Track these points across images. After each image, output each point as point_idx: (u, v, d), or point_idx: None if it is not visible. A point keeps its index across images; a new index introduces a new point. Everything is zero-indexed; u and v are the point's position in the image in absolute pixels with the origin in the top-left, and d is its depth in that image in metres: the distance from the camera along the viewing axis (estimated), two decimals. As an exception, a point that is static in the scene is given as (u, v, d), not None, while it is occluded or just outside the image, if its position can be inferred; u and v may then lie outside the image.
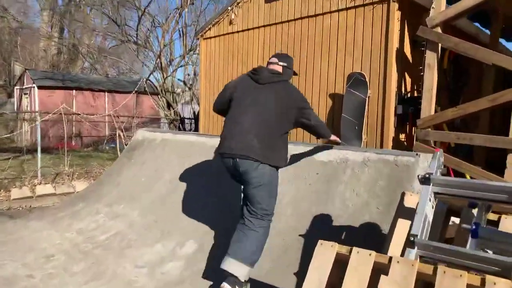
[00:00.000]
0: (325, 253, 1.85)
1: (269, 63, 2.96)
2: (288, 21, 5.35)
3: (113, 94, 15.85)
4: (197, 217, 3.90)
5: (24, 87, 15.80)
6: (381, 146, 4.42)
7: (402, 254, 2.04)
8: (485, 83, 5.33)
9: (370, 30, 4.50)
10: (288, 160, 3.00)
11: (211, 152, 4.74)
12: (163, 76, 8.68)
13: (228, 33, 6.25)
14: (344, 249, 1.82)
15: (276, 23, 5.52)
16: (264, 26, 5.69)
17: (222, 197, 4.01)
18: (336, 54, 4.81)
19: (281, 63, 2.93)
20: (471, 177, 3.94)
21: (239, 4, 6.00)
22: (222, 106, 2.98)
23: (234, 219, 3.49)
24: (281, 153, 2.78)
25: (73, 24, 16.64)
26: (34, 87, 14.42)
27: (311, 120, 2.86)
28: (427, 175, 1.96)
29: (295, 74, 3.10)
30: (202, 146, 4.92)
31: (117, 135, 7.73)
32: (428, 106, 3.98)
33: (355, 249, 1.79)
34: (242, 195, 2.83)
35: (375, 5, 4.44)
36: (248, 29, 5.93)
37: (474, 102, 3.68)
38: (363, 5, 4.53)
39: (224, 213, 3.77)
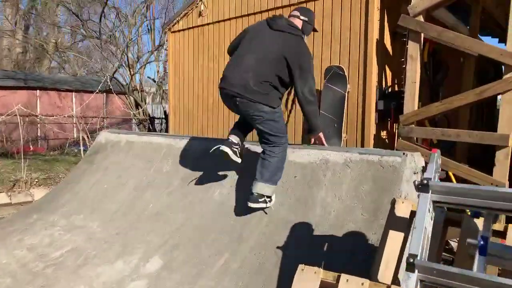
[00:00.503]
0: (307, 281, 1.51)
1: (290, 15, 2.96)
2: (261, 11, 4.99)
3: (81, 94, 15.07)
4: (163, 230, 3.50)
5: (-17, 87, 14.80)
6: (362, 145, 4.14)
7: (396, 275, 1.72)
8: (466, 75, 5.15)
9: (348, 21, 4.20)
10: None
11: (179, 155, 4.33)
12: (130, 74, 8.15)
13: (197, 26, 5.83)
14: (330, 276, 1.49)
15: (248, 14, 5.15)
16: (236, 17, 5.32)
17: (191, 207, 3.62)
18: (313, 46, 4.49)
19: (302, 17, 2.94)
20: (453, 175, 3.72)
21: (209, -6, 5.60)
22: (234, 48, 3.01)
23: (205, 232, 3.11)
24: (276, 95, 2.87)
25: (39, 21, 15.70)
26: (-6, 87, 13.51)
27: (304, 90, 2.83)
28: (425, 181, 1.64)
29: (315, 30, 3.10)
30: (170, 148, 4.51)
31: (81, 138, 7.17)
32: (412, 101, 3.72)
33: (343, 276, 1.46)
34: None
35: (353, -7, 4.15)
36: (219, 21, 5.54)
37: (461, 95, 3.44)
38: (341, -7, 4.23)
39: (194, 226, 3.39)
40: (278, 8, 4.78)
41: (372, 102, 4.08)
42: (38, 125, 13.61)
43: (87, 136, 6.98)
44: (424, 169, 2.23)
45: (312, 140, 3.18)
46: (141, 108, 8.15)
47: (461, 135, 3.41)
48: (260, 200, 2.94)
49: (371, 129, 4.10)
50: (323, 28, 4.39)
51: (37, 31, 19.85)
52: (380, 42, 4.17)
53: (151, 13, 8.31)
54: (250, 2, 5.10)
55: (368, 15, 4.04)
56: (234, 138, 3.16)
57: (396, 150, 3.92)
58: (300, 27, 2.91)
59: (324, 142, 3.15)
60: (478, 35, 5.37)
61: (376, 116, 4.11)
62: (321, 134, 3.10)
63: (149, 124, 8.31)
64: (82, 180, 5.05)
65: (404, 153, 2.84)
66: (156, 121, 8.88)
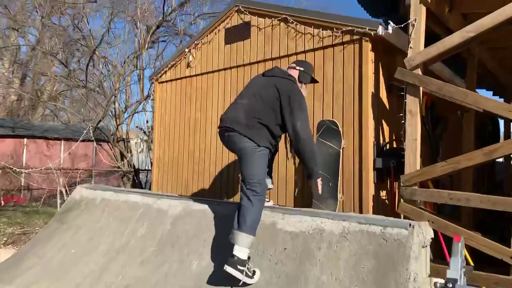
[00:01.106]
0: None
1: (288, 67, 3.18)
2: (250, 63, 4.79)
3: (70, 143, 14.70)
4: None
5: (-32, 135, 14.43)
6: (360, 206, 3.73)
7: None
8: (466, 130, 4.87)
9: (341, 73, 3.97)
10: None
11: (157, 217, 3.88)
12: (116, 124, 7.85)
13: (185, 77, 5.62)
14: None
15: (237, 66, 4.95)
16: (224, 69, 5.12)
17: (165, 281, 3.12)
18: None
19: (298, 68, 3.13)
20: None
21: (197, 46, 5.44)
22: None
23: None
24: (264, 134, 2.90)
25: (36, 71, 15.72)
26: (-21, 135, 13.14)
27: (296, 126, 2.83)
28: (449, 285, 1.23)
29: (314, 81, 3.29)
30: (147, 209, 4.06)
31: (58, 191, 6.69)
32: (413, 160, 3.37)
33: None
34: None
35: (346, 45, 3.95)
36: (207, 72, 5.33)
37: (468, 155, 3.10)
38: (332, 46, 4.04)
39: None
40: (267, 60, 4.59)
41: (370, 160, 3.73)
42: (23, 174, 13.07)
43: (65, 190, 6.51)
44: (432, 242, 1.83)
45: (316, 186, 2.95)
46: (126, 159, 7.75)
47: (472, 199, 3.02)
48: (239, 267, 2.60)
49: (370, 189, 3.71)
50: (315, 81, 4.15)
51: (33, 80, 19.93)
52: (376, 96, 3.92)
53: (140, 63, 8.19)
54: (239, 54, 4.92)
55: (362, 67, 3.81)
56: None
57: (398, 214, 3.52)
58: (295, 76, 3.08)
59: (319, 189, 2.94)
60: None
61: (374, 175, 3.74)
62: (318, 180, 2.92)
63: (134, 177, 7.88)
64: (50, 242, 4.53)
65: (410, 224, 2.43)
66: (142, 173, 8.46)
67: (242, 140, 2.86)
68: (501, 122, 7.57)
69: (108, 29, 8.22)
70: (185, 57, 5.61)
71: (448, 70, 5.05)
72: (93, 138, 7.48)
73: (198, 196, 5.07)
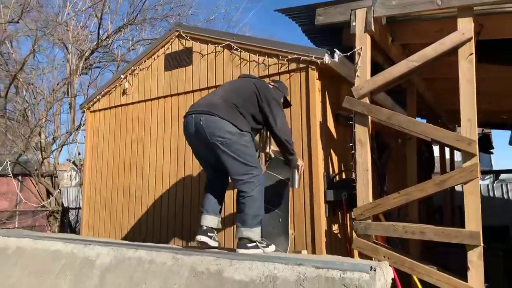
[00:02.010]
0: None
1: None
2: (192, 91, 4.49)
3: (-10, 179, 13.08)
4: None
5: None
6: (313, 242, 3.48)
7: None
8: (409, 158, 4.94)
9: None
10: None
11: (82, 268, 3.30)
12: (42, 157, 7.02)
13: (120, 105, 5.15)
14: None
15: (179, 93, 4.62)
16: (164, 96, 4.75)
17: None
18: (251, 130, 3.98)
19: (272, 84, 3.30)
20: (419, 280, 3.15)
21: (134, 72, 5.04)
22: None
23: None
24: (244, 121, 2.83)
25: None
26: None
27: (277, 117, 2.92)
28: None
29: (288, 104, 3.39)
30: (72, 258, 3.46)
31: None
32: (365, 192, 3.23)
33: None
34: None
35: (292, 73, 3.80)
36: (145, 100, 4.93)
37: (419, 186, 3.02)
38: (279, 73, 3.88)
39: None
40: (210, 87, 4.30)
41: (320, 192, 3.52)
42: None
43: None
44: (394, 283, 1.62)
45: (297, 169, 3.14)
46: (52, 196, 6.90)
47: (427, 232, 2.91)
48: (249, 245, 2.82)
49: (322, 223, 3.48)
50: (261, 110, 3.93)
51: None
52: (324, 125, 3.78)
53: (71, 90, 7.49)
54: (181, 81, 4.60)
55: (309, 96, 3.67)
56: (210, 222, 2.99)
57: (352, 248, 3.32)
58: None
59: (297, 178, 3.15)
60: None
61: (326, 209, 3.54)
62: (299, 161, 3.17)
63: (62, 216, 7.00)
64: None
65: (372, 267, 2.20)
66: (74, 211, 7.59)
67: (223, 126, 2.70)
68: (435, 148, 7.98)
69: (32, 53, 7.47)
70: (120, 84, 5.17)
71: (390, 99, 5.14)
72: (10, 174, 6.57)
73: (135, 240, 4.51)
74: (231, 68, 4.19)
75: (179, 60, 4.64)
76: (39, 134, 7.11)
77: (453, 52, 3.00)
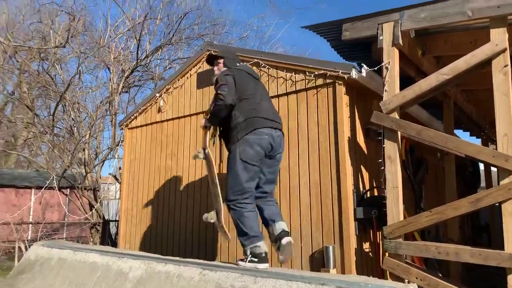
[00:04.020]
0: None
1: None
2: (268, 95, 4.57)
3: (42, 191, 13.99)
4: None
5: None
6: (342, 261, 3.39)
7: None
8: (448, 174, 4.71)
9: (315, 117, 3.79)
10: None
11: (116, 281, 3.43)
12: (85, 172, 7.43)
13: (156, 122, 5.37)
14: None
15: (209, 111, 4.72)
16: (196, 113, 4.89)
17: None
18: (279, 145, 3.99)
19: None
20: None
21: (169, 90, 5.24)
22: (239, 96, 3.01)
23: None
24: None
25: (12, 117, 15.26)
26: None
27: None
28: None
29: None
30: (106, 271, 3.61)
31: (16, 248, 6.10)
32: (396, 209, 3.12)
33: None
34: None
35: (319, 89, 3.79)
36: (179, 117, 5.10)
37: (453, 204, 2.87)
38: (306, 89, 3.88)
39: None
40: (239, 104, 4.39)
41: (350, 210, 3.45)
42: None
43: (25, 246, 5.94)
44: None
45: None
46: (94, 208, 7.26)
47: (461, 254, 2.75)
48: (243, 259, 2.91)
49: (351, 241, 3.40)
50: (289, 126, 3.94)
51: (7, 126, 19.36)
52: (353, 140, 3.72)
53: (112, 108, 7.93)
54: (211, 98, 4.71)
55: (337, 111, 3.64)
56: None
57: (385, 270, 3.20)
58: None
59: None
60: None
61: (356, 226, 3.45)
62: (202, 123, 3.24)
63: (103, 228, 7.35)
64: (-7, 313, 3.97)
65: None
66: (115, 223, 7.94)
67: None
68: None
69: (78, 74, 8.02)
70: (156, 102, 5.39)
71: (425, 112, 4.97)
72: (56, 188, 7.00)
73: (168, 253, 4.63)
74: (260, 85, 4.24)
75: (210, 78, 4.77)
76: (83, 150, 7.56)
77: (486, 64, 2.87)
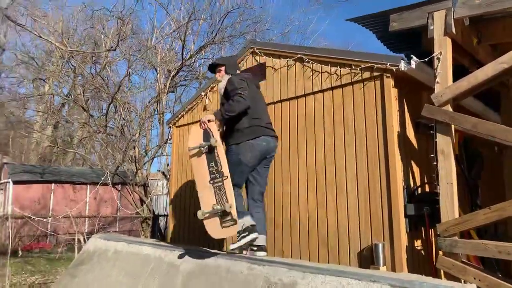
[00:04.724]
0: None
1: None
2: (273, 102, 4.60)
3: (96, 187, 14.86)
4: None
5: (0, 182, 14.88)
6: (392, 259, 3.30)
7: None
8: (507, 169, 4.42)
9: (362, 112, 3.70)
10: None
11: (168, 273, 3.59)
12: (136, 169, 7.81)
13: (201, 120, 5.49)
14: None
15: (253, 108, 4.77)
16: (240, 111, 4.94)
17: None
18: (324, 140, 3.96)
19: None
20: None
21: (214, 89, 5.35)
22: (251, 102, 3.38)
23: None
24: None
25: (64, 118, 16.37)
26: (9, 182, 13.50)
27: None
28: None
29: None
30: (158, 263, 3.78)
31: (76, 240, 6.56)
32: (450, 206, 2.99)
33: None
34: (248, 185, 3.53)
35: (366, 82, 3.70)
36: (224, 115, 5.18)
37: (516, 200, 2.69)
38: (352, 83, 3.80)
39: None
40: (283, 100, 4.40)
41: (400, 206, 3.34)
42: (49, 219, 13.15)
43: (83, 238, 6.36)
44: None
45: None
46: (145, 203, 7.61)
47: (525, 253, 2.58)
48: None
49: (402, 239, 3.29)
50: (335, 120, 3.89)
51: (64, 127, 20.74)
52: (402, 135, 3.60)
53: (160, 108, 8.26)
54: (255, 95, 4.77)
55: (385, 105, 3.53)
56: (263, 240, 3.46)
57: (439, 269, 3.08)
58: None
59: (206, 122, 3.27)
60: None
61: (406, 223, 3.34)
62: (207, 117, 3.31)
63: (153, 222, 7.68)
64: (58, 300, 4.29)
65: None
66: (164, 218, 8.28)
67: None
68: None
69: (128, 75, 8.43)
70: (201, 101, 5.53)
71: (481, 104, 4.68)
72: (110, 184, 7.41)
73: (216, 247, 4.75)
74: (303, 80, 4.23)
75: (253, 75, 4.82)
76: (134, 148, 7.95)
77: (552, 50, 2.66)
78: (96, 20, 9.06)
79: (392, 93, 3.53)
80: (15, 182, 13.42)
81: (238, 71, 3.73)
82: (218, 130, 3.37)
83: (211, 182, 3.15)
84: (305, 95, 4.20)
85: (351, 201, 3.65)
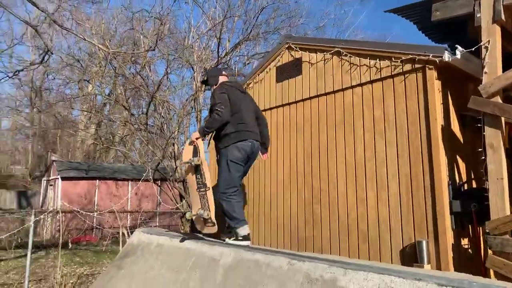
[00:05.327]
0: None
1: (227, 75, 4.11)
2: (302, 100, 4.59)
3: (138, 183, 15.46)
4: None
5: (50, 178, 15.82)
6: (438, 258, 3.20)
7: None
8: None
9: (403, 105, 3.59)
10: None
11: (209, 267, 3.67)
12: (175, 165, 8.04)
13: (238, 117, 5.55)
14: None
15: (289, 103, 4.78)
16: (276, 107, 4.97)
17: None
18: (363, 135, 3.88)
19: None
20: None
21: (249, 86, 5.39)
22: (233, 110, 3.62)
23: None
24: None
25: (107, 117, 17.14)
26: (58, 178, 14.33)
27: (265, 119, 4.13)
28: None
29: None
30: (200, 257, 3.88)
31: (120, 234, 6.86)
32: (500, 203, 2.84)
33: None
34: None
35: (407, 75, 3.58)
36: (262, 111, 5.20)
37: None
38: (392, 76, 3.69)
39: None
40: (320, 95, 4.35)
41: (445, 203, 3.22)
42: (95, 213, 13.83)
43: (127, 232, 6.65)
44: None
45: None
46: (184, 199, 7.81)
47: None
48: (229, 237, 3.71)
49: (448, 236, 3.17)
50: (374, 115, 3.80)
51: (106, 125, 21.66)
52: (447, 129, 3.45)
53: (197, 105, 8.43)
54: (291, 91, 4.75)
55: (428, 98, 3.40)
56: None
57: (488, 269, 2.94)
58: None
59: (194, 140, 3.66)
60: None
61: (452, 221, 3.22)
62: (194, 136, 3.70)
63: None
64: (107, 290, 4.51)
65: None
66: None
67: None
68: None
69: (166, 74, 8.67)
70: (237, 98, 5.57)
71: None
72: (151, 180, 7.68)
73: (253, 242, 4.80)
74: (341, 74, 4.16)
75: (289, 71, 4.81)
76: (173, 145, 8.18)
77: None
78: (135, 21, 9.37)
79: (436, 85, 3.40)
80: (63, 178, 14.22)
81: (222, 76, 3.91)
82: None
83: (198, 190, 3.73)
84: (343, 89, 4.13)
85: (392, 197, 3.56)
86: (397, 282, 2.34)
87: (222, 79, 3.86)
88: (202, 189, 3.67)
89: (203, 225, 3.89)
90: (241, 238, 3.58)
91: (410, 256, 3.31)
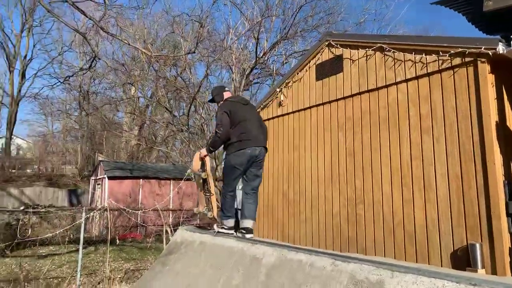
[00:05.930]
0: None
1: (229, 91, 4.38)
2: (344, 97, 4.50)
3: (179, 182, 15.90)
4: None
5: (97, 177, 16.64)
6: (493, 261, 3.01)
7: None
8: None
9: (453, 102, 3.42)
10: None
11: (251, 265, 3.70)
12: (216, 164, 8.16)
13: (277, 116, 5.56)
14: None
15: (330, 101, 4.70)
16: (316, 105, 4.90)
17: None
18: (409, 133, 3.74)
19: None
20: None
21: (289, 84, 5.37)
22: (233, 123, 3.99)
23: None
24: None
25: (149, 119, 17.78)
26: (105, 177, 15.04)
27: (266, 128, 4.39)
28: None
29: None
30: (241, 255, 3.91)
31: (164, 231, 7.07)
32: None
33: None
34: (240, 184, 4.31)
35: (456, 69, 3.41)
36: (299, 110, 5.18)
37: None
38: (439, 71, 3.53)
39: None
40: (362, 92, 4.24)
41: (501, 204, 3.03)
42: (140, 211, 14.37)
43: (170, 230, 6.84)
44: None
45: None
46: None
47: None
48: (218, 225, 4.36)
49: (504, 239, 2.99)
50: (420, 112, 3.65)
51: (149, 126, 22.44)
52: (501, 125, 3.25)
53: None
54: (332, 89, 4.68)
55: (480, 93, 3.22)
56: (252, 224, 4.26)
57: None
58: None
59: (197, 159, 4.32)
60: None
61: (509, 222, 3.02)
62: (201, 153, 4.27)
63: (232, 217, 7.98)
64: (152, 286, 4.67)
65: None
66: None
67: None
68: None
69: (206, 76, 8.83)
70: (276, 97, 5.58)
71: None
72: (193, 179, 7.85)
73: (295, 242, 4.78)
74: (384, 70, 4.03)
75: (329, 68, 4.73)
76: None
77: None
78: (176, 25, 9.61)
79: (489, 79, 3.20)
80: (109, 178, 14.90)
81: (226, 93, 4.24)
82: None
83: (204, 193, 4.58)
84: (386, 86, 4.01)
85: (441, 197, 3.40)
86: (450, 286, 2.23)
87: (226, 95, 4.21)
88: (207, 193, 4.56)
89: (206, 219, 4.69)
90: (226, 228, 4.32)
91: (462, 259, 3.15)
